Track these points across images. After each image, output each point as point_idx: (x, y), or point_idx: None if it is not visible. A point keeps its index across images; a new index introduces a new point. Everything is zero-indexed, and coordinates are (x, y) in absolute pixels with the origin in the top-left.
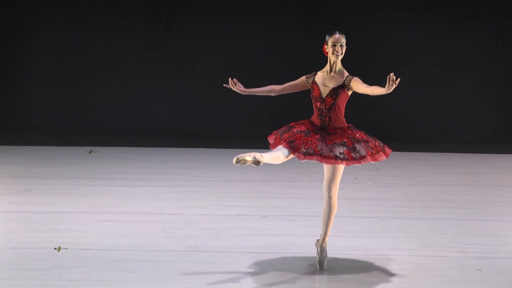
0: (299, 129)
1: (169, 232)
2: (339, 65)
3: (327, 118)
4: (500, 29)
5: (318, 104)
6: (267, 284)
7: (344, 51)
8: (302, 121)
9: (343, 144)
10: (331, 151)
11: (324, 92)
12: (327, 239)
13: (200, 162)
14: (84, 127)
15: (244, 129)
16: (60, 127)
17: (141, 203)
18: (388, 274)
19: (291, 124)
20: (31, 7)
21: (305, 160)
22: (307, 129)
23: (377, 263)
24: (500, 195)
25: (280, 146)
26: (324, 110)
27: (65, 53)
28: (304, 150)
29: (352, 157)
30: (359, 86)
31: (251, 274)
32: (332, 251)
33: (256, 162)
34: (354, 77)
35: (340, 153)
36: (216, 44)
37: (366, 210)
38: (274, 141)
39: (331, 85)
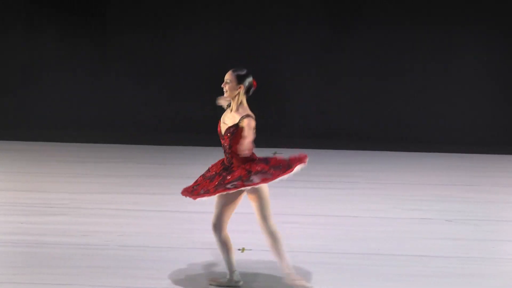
0: (210, 174)
1: (350, 235)
2: (238, 102)
3: (230, 155)
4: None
5: (221, 141)
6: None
7: (230, 88)
8: (219, 160)
9: (239, 179)
10: (225, 187)
11: (223, 129)
12: (291, 266)
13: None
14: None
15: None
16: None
17: (320, 205)
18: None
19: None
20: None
21: (198, 199)
22: (215, 172)
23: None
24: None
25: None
26: (225, 148)
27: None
28: (202, 192)
29: (242, 184)
30: (242, 129)
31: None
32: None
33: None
34: (246, 119)
35: (231, 184)
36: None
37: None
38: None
39: (229, 122)
